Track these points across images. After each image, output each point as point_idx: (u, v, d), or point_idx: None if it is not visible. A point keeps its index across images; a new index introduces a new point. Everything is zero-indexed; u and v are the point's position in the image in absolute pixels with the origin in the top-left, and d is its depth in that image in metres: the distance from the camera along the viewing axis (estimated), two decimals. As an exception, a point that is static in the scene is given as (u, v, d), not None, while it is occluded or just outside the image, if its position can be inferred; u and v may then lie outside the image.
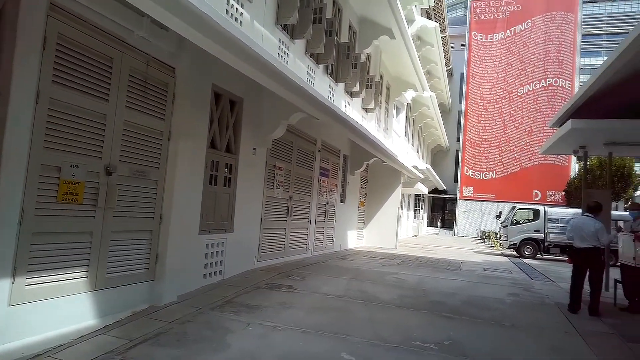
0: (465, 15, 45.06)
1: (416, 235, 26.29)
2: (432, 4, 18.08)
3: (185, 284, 5.81)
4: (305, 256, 10.19)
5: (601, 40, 62.12)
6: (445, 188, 31.66)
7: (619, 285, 7.07)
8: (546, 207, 16.70)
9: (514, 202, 26.88)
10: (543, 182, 29.47)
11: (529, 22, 30.81)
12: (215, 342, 4.19)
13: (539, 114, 29.95)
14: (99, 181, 4.36)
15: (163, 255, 5.32)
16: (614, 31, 62.00)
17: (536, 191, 29.73)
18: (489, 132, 31.18)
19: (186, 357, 3.79)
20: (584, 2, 31.02)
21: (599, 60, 61.99)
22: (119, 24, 4.39)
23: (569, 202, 25.95)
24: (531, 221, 16.39)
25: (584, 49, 31.00)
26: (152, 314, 4.89)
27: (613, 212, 10.99)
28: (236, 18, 6.27)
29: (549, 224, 15.92)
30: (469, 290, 7.78)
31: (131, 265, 4.93)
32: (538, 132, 29.85)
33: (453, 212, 33.75)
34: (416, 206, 27.89)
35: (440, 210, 37.57)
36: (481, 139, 31.34)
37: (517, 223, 16.74)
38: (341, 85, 11.15)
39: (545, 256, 16.29)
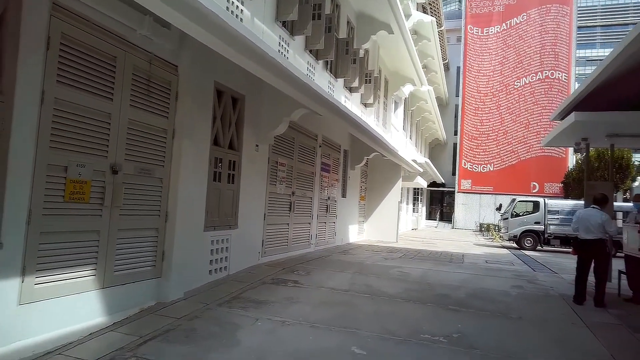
0: (459, 9, 45.02)
1: (415, 229, 26.36)
2: (429, -3, 18.09)
3: (191, 280, 5.82)
4: (308, 251, 10.21)
5: (595, 32, 62.23)
6: (443, 181, 31.73)
7: (623, 276, 7.12)
8: (546, 199, 16.76)
9: (512, 195, 27.00)
10: (541, 174, 29.57)
11: (524, 15, 30.80)
12: (225, 338, 4.20)
13: (536, 106, 30.01)
14: (105, 180, 4.35)
15: (169, 253, 5.32)
16: (608, 23, 62.12)
17: (534, 183, 29.82)
18: (487, 125, 31.22)
19: (197, 354, 3.80)
20: (580, -6, 30.97)
21: (594, 52, 62.12)
22: (122, 22, 4.37)
23: (566, 193, 26.05)
24: (531, 213, 16.46)
25: (578, 41, 30.99)
26: (160, 310, 4.89)
27: (615, 204, 11.04)
28: (237, 15, 6.24)
29: (549, 216, 15.99)
30: (473, 282, 7.81)
31: (138, 262, 4.92)
32: (535, 125, 29.92)
33: (451, 205, 33.85)
34: (415, 199, 27.95)
35: (439, 203, 37.68)
36: (478, 132, 31.39)
37: (517, 215, 16.81)
38: (340, 80, 11.13)
39: (545, 248, 16.37)
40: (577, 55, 31.03)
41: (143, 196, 4.94)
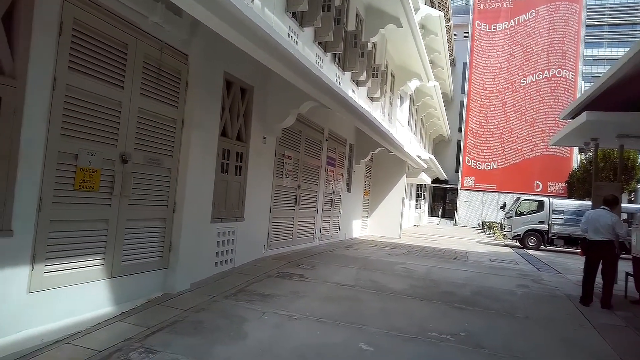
0: (466, 4, 44.63)
1: (417, 225, 26.34)
2: (438, -8, 17.89)
3: (198, 272, 5.80)
4: (312, 245, 10.19)
5: (603, 32, 61.66)
6: (446, 178, 31.64)
7: (630, 278, 7.07)
8: (551, 199, 16.68)
9: (515, 193, 26.92)
10: (544, 173, 29.44)
11: (533, 12, 30.49)
12: (232, 331, 4.18)
13: (542, 104, 29.81)
14: (114, 169, 4.31)
15: (176, 244, 5.29)
16: (616, 22, 61.52)
17: (537, 182, 29.71)
18: (491, 123, 31.05)
19: (204, 346, 3.77)
20: (589, -8, 30.66)
21: (601, 52, 61.63)
22: (133, 9, 4.30)
23: (570, 193, 25.95)
24: (535, 212, 16.39)
25: (585, 40, 30.71)
26: (167, 301, 4.88)
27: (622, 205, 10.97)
28: (247, 5, 6.14)
29: (554, 216, 15.92)
30: (478, 281, 7.78)
31: (146, 253, 4.90)
32: (540, 123, 29.75)
33: (454, 202, 33.77)
34: (418, 196, 27.89)
35: (441, 200, 37.60)
36: (483, 130, 31.22)
37: (521, 214, 16.74)
38: (348, 74, 11.05)
39: (549, 247, 16.32)
40: (585, 54, 30.72)
41: (152, 186, 4.90)
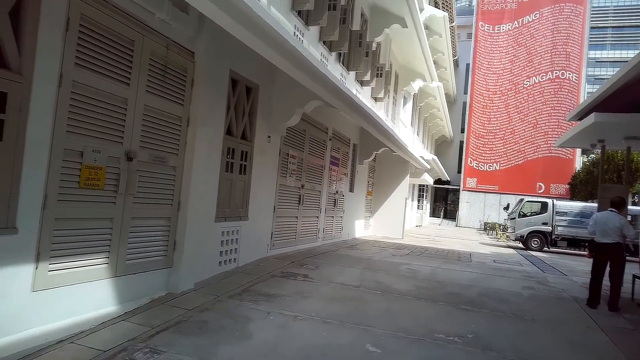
0: (470, 5, 44.58)
1: (419, 226, 26.28)
2: (443, -8, 17.83)
3: (201, 271, 5.75)
4: (316, 245, 10.14)
5: (606, 34, 61.56)
6: (448, 179, 31.57)
7: (637, 281, 7.01)
8: (554, 200, 16.61)
9: (518, 194, 26.85)
10: (547, 174, 29.36)
11: (537, 13, 30.41)
12: (237, 331, 4.13)
13: (545, 106, 29.73)
14: (119, 167, 4.27)
15: (181, 243, 5.25)
16: (619, 24, 61.39)
17: (540, 183, 29.63)
18: (494, 124, 30.97)
19: (209, 346, 3.73)
20: (593, -6, 30.57)
21: (604, 54, 61.51)
22: (140, 5, 4.27)
23: (573, 195, 25.87)
24: (539, 214, 16.31)
25: (589, 42, 30.60)
26: (171, 301, 4.83)
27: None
28: (255, 1, 6.10)
29: (557, 217, 15.84)
30: (484, 282, 7.73)
31: (150, 252, 4.86)
32: (543, 125, 29.67)
33: (456, 203, 33.70)
34: (420, 196, 27.84)
35: (443, 200, 37.54)
36: (486, 130, 31.15)
37: (525, 215, 16.67)
38: (352, 73, 11.00)
39: (552, 249, 16.25)
40: (588, 56, 30.63)
41: (156, 184, 4.86)
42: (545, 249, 16.20)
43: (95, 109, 3.93)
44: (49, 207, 3.55)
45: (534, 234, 16.25)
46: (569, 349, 4.59)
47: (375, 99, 13.18)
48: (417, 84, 18.72)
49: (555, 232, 15.85)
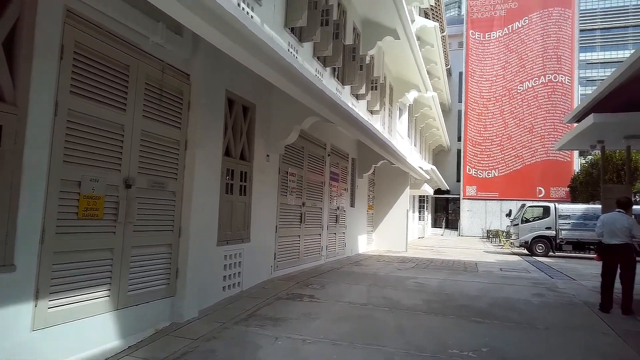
0: (459, 14, 45.17)
1: (422, 237, 26.11)
2: (433, 3, 17.98)
3: (205, 298, 5.61)
4: (320, 263, 10.00)
5: (595, 35, 62.33)
6: (448, 188, 31.51)
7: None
8: (556, 204, 16.52)
9: (518, 200, 26.78)
10: (546, 178, 29.36)
11: (526, 19, 30.79)
12: (246, 359, 3.99)
13: (540, 110, 29.89)
14: (118, 195, 4.18)
15: (183, 270, 5.12)
16: (607, 26, 62.23)
17: (540, 188, 29.60)
18: (490, 130, 31.08)
19: (219, 377, 3.59)
20: (579, -2, 30.99)
21: (594, 55, 62.18)
22: (135, 30, 4.23)
23: (573, 197, 25.80)
24: (542, 218, 16.19)
25: (579, 44, 30.94)
26: (175, 331, 4.69)
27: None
28: (250, 19, 6.09)
29: (560, 221, 15.73)
30: (492, 292, 7.59)
31: (152, 281, 4.73)
32: (539, 129, 29.79)
33: (457, 212, 33.60)
34: (420, 207, 27.72)
35: (444, 210, 37.41)
36: (482, 137, 31.24)
37: (528, 221, 16.54)
38: (347, 87, 11.01)
39: (557, 254, 16.09)
40: (579, 58, 30.93)
41: (156, 211, 4.76)
42: (551, 253, 16.04)
43: (92, 136, 3.86)
44: (47, 241, 3.44)
45: (538, 239, 16.11)
46: (586, 356, 4.46)
47: (372, 112, 13.18)
48: (411, 95, 18.78)
49: (560, 236, 15.72)
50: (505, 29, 31.19)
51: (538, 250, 16.08)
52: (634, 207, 15.06)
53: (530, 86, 30.22)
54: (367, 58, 12.00)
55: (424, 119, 25.25)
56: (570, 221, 15.67)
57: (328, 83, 9.61)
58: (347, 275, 8.74)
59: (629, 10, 60.61)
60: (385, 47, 13.71)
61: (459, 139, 32.96)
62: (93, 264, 3.93)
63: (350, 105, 10.97)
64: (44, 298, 3.43)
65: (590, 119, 6.72)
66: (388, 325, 5.28)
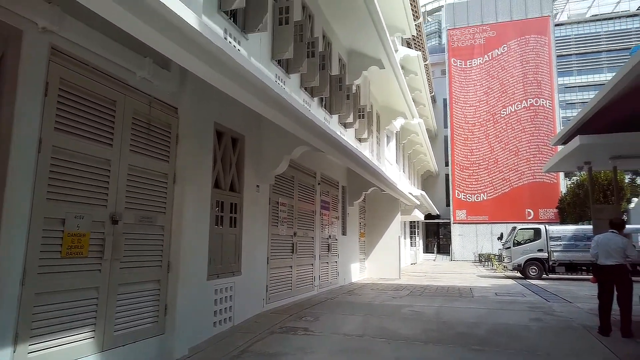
0: (440, 44, 46.52)
1: (414, 263, 25.90)
2: (415, 33, 18.48)
3: (196, 334, 5.41)
4: (313, 294, 9.79)
5: (572, 60, 64.54)
6: (438, 213, 31.57)
7: (645, 302, 6.85)
8: (547, 226, 16.58)
9: (508, 223, 26.88)
10: (534, 200, 29.68)
11: (505, 46, 31.82)
12: (240, 401, 3.80)
13: (524, 133, 30.51)
14: (104, 231, 4.06)
15: (172, 306, 4.95)
16: (582, 51, 64.58)
17: (528, 210, 29.86)
18: (477, 155, 31.53)
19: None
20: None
21: (572, 79, 64.21)
22: (121, 65, 4.23)
23: (562, 219, 26.00)
24: (533, 241, 16.20)
25: (557, 69, 31.97)
26: (165, 372, 4.48)
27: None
28: (238, 52, 6.15)
29: (552, 242, 15.74)
30: (490, 318, 7.46)
31: (140, 319, 4.55)
32: (525, 152, 30.32)
33: (448, 237, 33.55)
34: (412, 233, 27.63)
35: (435, 235, 37.36)
36: (469, 162, 31.64)
37: (519, 243, 16.52)
38: (335, 116, 11.11)
39: (551, 276, 16.02)
40: (558, 82, 31.90)
41: (144, 246, 4.63)
42: (544, 276, 15.97)
43: (77, 172, 3.77)
44: (28, 282, 3.30)
45: (531, 261, 16.05)
46: (593, 385, 4.34)
47: (360, 140, 13.27)
48: (398, 122, 19.03)
49: (552, 258, 15.69)
50: (486, 56, 32.15)
51: (531, 273, 16.00)
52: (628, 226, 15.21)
53: (513, 110, 30.93)
54: (354, 87, 12.18)
55: (412, 145, 25.52)
56: (561, 242, 15.69)
57: (316, 112, 9.68)
58: (341, 305, 8.55)
59: (601, 36, 63.12)
60: (371, 77, 13.95)
61: (447, 164, 33.31)
62: (77, 304, 3.77)
63: (339, 133, 11.05)
64: (24, 342, 3.26)
65: (576, 141, 6.82)
66: (386, 357, 5.12)
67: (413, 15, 16.31)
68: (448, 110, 32.84)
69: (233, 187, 6.66)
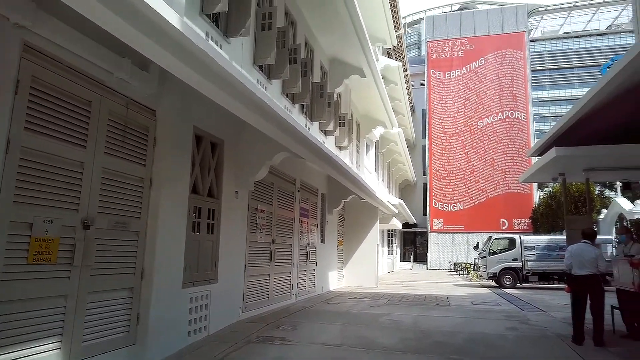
0: (419, 55, 47.30)
1: (392, 272, 26.01)
2: (395, 44, 18.72)
3: (169, 344, 5.23)
4: (290, 302, 9.66)
5: (545, 75, 66.59)
6: (415, 222, 31.88)
7: (616, 312, 6.99)
8: (521, 236, 16.90)
9: (483, 232, 27.37)
10: (509, 210, 30.35)
11: (482, 59, 32.61)
12: (215, 414, 3.67)
13: (499, 144, 31.24)
14: (75, 236, 3.89)
15: (145, 315, 4.78)
16: (555, 67, 66.73)
17: (503, 220, 30.49)
18: (454, 165, 32.07)
19: None
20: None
21: (545, 94, 66.22)
22: (98, 65, 4.09)
23: (535, 229, 26.60)
24: (508, 250, 16.47)
25: (532, 83, 32.93)
26: (136, 384, 4.30)
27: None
28: (220, 54, 6.05)
29: (526, 252, 16.03)
30: (467, 326, 7.50)
31: (110, 329, 4.37)
32: (500, 163, 31.01)
33: (424, 246, 33.91)
34: (389, 242, 27.76)
35: (412, 244, 37.66)
36: (446, 172, 32.15)
37: (495, 253, 16.77)
38: (316, 124, 11.08)
39: (524, 285, 16.29)
40: (532, 96, 32.83)
41: (117, 252, 4.47)
42: (518, 285, 16.23)
43: (48, 174, 3.61)
44: (-9, 290, 3.11)
45: (505, 271, 16.31)
46: (568, 394, 4.38)
47: (340, 148, 13.28)
48: (378, 131, 19.15)
49: (526, 268, 15.98)
50: (464, 68, 32.86)
51: (506, 282, 16.24)
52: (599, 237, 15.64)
53: (489, 122, 31.65)
54: (335, 95, 12.20)
55: (391, 154, 25.74)
56: (535, 252, 16.00)
57: (298, 119, 9.61)
58: (319, 314, 8.46)
59: (573, 53, 65.38)
60: (352, 85, 14.01)
61: (425, 174, 33.76)
62: (43, 313, 3.59)
63: (319, 140, 11.03)
64: (-15, 355, 3.07)
65: (552, 153, 6.96)
66: (364, 367, 5.06)
67: (394, 26, 16.51)
68: (426, 120, 33.37)
69: (211, 192, 6.53)
